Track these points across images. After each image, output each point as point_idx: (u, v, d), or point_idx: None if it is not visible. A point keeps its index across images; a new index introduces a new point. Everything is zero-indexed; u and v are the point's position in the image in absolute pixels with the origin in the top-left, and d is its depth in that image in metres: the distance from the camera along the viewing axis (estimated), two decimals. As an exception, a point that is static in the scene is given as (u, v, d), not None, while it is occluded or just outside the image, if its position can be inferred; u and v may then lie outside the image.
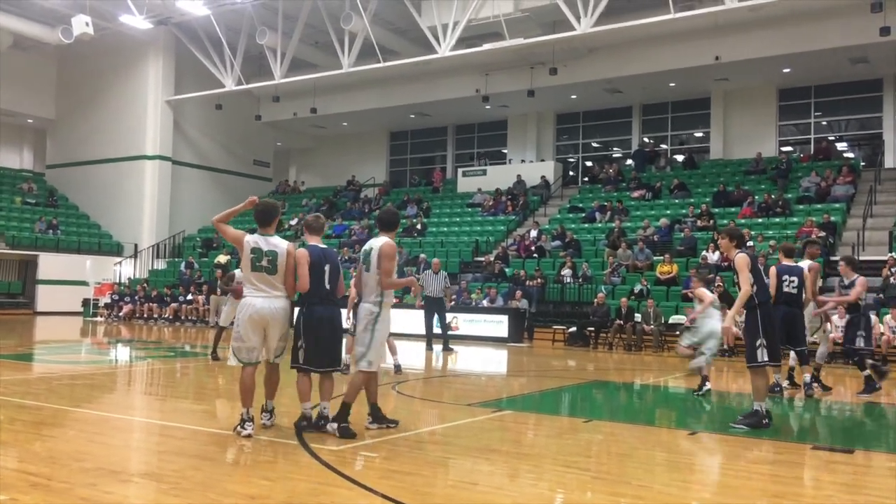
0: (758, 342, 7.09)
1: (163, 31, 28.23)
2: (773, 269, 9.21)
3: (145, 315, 24.76)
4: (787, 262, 9.51)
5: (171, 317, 24.04)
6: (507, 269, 21.70)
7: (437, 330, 15.70)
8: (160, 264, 29.59)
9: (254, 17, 25.37)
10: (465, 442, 6.72)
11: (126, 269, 29.18)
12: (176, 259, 29.05)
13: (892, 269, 16.51)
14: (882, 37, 19.00)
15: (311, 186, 34.87)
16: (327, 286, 6.35)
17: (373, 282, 6.38)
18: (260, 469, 5.39)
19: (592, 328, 18.24)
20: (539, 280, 20.39)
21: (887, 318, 14.97)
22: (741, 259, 7.10)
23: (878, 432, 8.26)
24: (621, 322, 17.70)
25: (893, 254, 17.36)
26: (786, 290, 9.16)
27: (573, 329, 18.60)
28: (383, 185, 32.38)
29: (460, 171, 30.67)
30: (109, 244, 30.06)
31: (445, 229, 26.63)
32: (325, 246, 6.56)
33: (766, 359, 7.11)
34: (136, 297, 25.47)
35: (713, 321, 9.44)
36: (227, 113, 29.88)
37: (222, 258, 26.44)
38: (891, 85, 23.60)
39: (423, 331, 15.98)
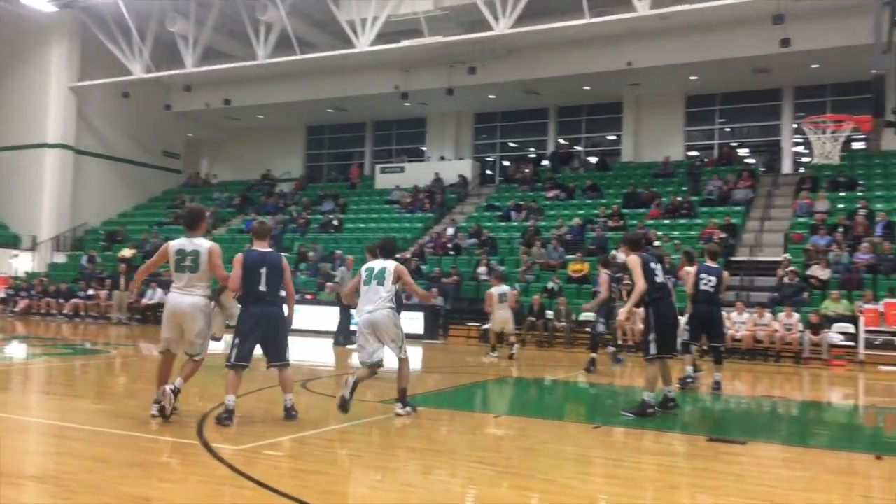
0: (650, 336, 7.71)
1: (68, 15, 26.93)
2: (693, 269, 9.83)
3: (43, 311, 23.59)
4: (709, 263, 9.99)
5: (70, 313, 23.00)
6: (423, 267, 21.73)
7: (353, 327, 15.63)
8: (60, 257, 28.26)
9: (165, 3, 24.52)
10: (375, 439, 6.69)
11: (23, 263, 27.74)
12: (77, 252, 27.79)
13: (787, 270, 17.37)
14: (783, 48, 19.98)
15: (223, 179, 33.99)
16: (263, 288, 6.82)
17: (385, 293, 7.41)
18: (158, 470, 5.22)
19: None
20: (455, 277, 20.52)
21: (781, 315, 15.75)
22: (632, 260, 7.79)
23: (770, 424, 8.68)
24: (534, 319, 17.99)
25: (788, 255, 18.27)
26: (703, 288, 9.67)
27: (487, 326, 18.76)
28: (299, 179, 31.89)
29: (378, 167, 30.51)
30: (5, 236, 28.48)
31: (363, 226, 26.45)
32: (267, 250, 7.03)
33: (655, 352, 7.65)
34: (34, 292, 24.24)
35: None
36: (135, 102, 28.77)
37: (127, 252, 25.55)
38: (790, 94, 24.83)
39: (333, 327, 15.97)
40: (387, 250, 7.87)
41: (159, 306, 22.22)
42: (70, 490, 4.53)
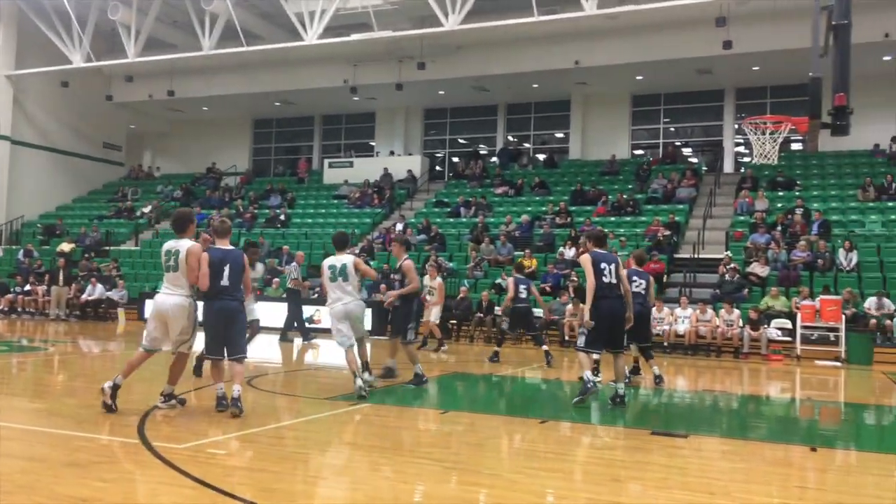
0: (581, 330, 8.23)
1: (4, 1, 25.97)
2: (623, 272, 9.98)
3: (-24, 307, 22.74)
4: (635, 266, 10.23)
5: (6, 308, 22.22)
6: (372, 262, 21.61)
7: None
8: (-5, 252, 27.29)
9: (106, -9, 23.83)
10: (321, 436, 6.63)
11: (-45, 257, 26.71)
12: (13, 247, 26.85)
13: (728, 267, 17.81)
14: (725, 50, 20.46)
15: (167, 172, 33.25)
16: (225, 283, 7.05)
17: (351, 287, 8.49)
18: (96, 470, 5.06)
19: (454, 321, 18.51)
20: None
21: (722, 311, 16.14)
22: (584, 258, 8.14)
23: (711, 418, 8.88)
24: (482, 315, 18.07)
25: (729, 252, 18.74)
26: (634, 290, 9.84)
27: (437, 321, 18.76)
28: (246, 173, 31.40)
29: (327, 162, 30.23)
30: (-64, 229, 27.40)
31: (310, 221, 26.19)
32: (229, 247, 7.30)
33: (583, 345, 8.16)
34: (-34, 288, 23.35)
35: None
36: (75, 92, 27.92)
37: (66, 246, 24.85)
38: (732, 96, 25.45)
39: (280, 323, 15.81)
40: (339, 244, 8.78)
41: (99, 302, 21.68)
42: (3, 491, 4.37)
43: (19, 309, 22.22)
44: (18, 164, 27.90)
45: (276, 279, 20.81)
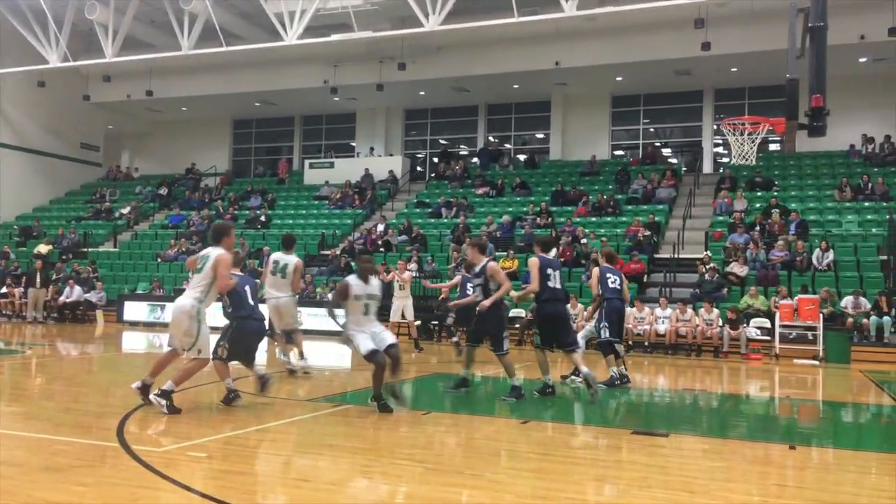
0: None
1: (-23, -1, 25.63)
2: (596, 270, 10.12)
3: (-49, 310, 22.41)
4: (606, 264, 10.29)
5: (-19, 311, 21.94)
6: (353, 263, 21.54)
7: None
8: (-30, 254, 26.90)
9: (83, -10, 23.55)
10: (303, 438, 6.60)
11: (-71, 259, 26.28)
12: (-11, 248, 26.51)
13: (707, 267, 17.95)
14: (703, 51, 20.60)
15: (145, 173, 32.97)
16: (252, 303, 7.96)
17: (285, 284, 10.12)
18: (74, 474, 5.01)
19: (436, 322, 18.50)
20: (385, 274, 20.39)
21: (702, 311, 16.26)
22: (532, 262, 8.68)
23: (692, 417, 8.95)
24: (464, 316, 18.06)
25: (708, 252, 18.89)
26: (612, 286, 9.91)
27: (418, 322, 18.75)
28: (225, 174, 31.20)
29: (307, 162, 30.12)
30: None
31: (291, 222, 26.07)
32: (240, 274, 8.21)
33: (538, 343, 8.90)
34: (-59, 290, 23.00)
35: None
36: (52, 92, 27.58)
37: (43, 248, 24.57)
38: (710, 96, 25.67)
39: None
40: (288, 244, 10.15)
41: (77, 305, 21.44)
42: (-23, 498, 4.31)
43: (-5, 311, 21.95)
44: (-6, 165, 27.57)
45: (257, 281, 20.65)
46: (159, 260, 24.42)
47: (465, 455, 5.98)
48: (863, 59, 21.77)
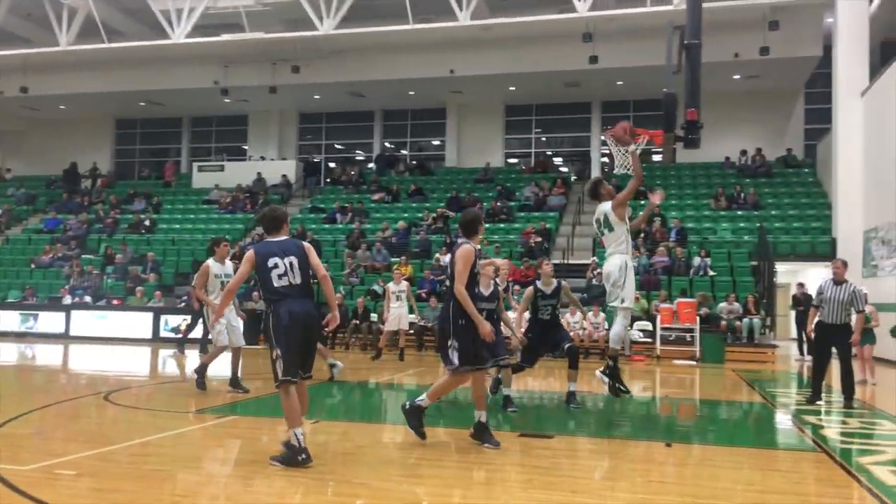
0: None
1: None
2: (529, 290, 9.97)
3: None
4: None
5: None
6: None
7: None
8: None
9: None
10: (184, 452, 6.34)
11: None
12: None
13: (595, 272, 18.54)
14: (591, 64, 21.38)
15: (20, 174, 30.99)
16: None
17: None
18: (-74, 499, 4.62)
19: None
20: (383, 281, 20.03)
21: (590, 314, 16.78)
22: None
23: (578, 418, 9.18)
24: (357, 322, 17.94)
25: (595, 258, 19.52)
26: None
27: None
28: (107, 175, 29.75)
29: (196, 165, 29.15)
30: None
31: (178, 227, 25.14)
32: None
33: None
34: None
35: None
36: (-88, 84, 25.60)
37: None
38: (598, 108, 26.61)
39: (147, 335, 15.08)
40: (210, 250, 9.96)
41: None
42: None
43: None
44: None
45: (140, 288, 19.92)
46: (33, 266, 23.02)
47: (355, 464, 5.91)
48: (736, 76, 23.12)
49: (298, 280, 5.67)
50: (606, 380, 8.41)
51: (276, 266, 5.63)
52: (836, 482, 5.70)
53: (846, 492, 5.45)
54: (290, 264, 5.65)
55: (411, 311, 15.47)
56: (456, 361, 6.33)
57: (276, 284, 5.61)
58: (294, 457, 5.42)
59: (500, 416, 8.20)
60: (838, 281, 9.58)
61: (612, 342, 8.44)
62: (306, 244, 5.91)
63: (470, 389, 6.83)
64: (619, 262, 8.13)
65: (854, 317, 9.63)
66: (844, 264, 9.87)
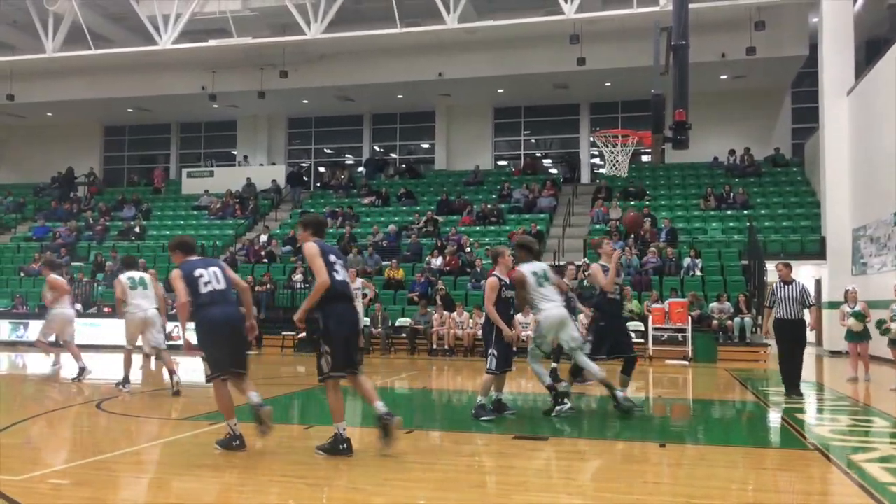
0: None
1: None
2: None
3: None
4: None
5: None
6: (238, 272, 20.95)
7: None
8: None
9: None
10: (178, 459, 6.31)
11: None
12: None
13: (586, 273, 18.57)
14: (579, 66, 21.43)
15: (6, 182, 30.78)
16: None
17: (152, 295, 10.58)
18: (-83, 512, 4.59)
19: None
20: (269, 286, 19.97)
21: (581, 315, 16.77)
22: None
23: (572, 419, 9.18)
24: (349, 326, 17.90)
25: (586, 259, 19.56)
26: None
27: (302, 335, 18.42)
28: (96, 182, 29.61)
29: (185, 171, 29.06)
30: None
31: (168, 233, 25.03)
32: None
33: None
34: None
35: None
36: None
37: None
38: (586, 109, 26.70)
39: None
40: (129, 264, 10.80)
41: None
42: None
43: None
44: None
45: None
46: (22, 275, 22.87)
47: (350, 469, 5.90)
48: (724, 77, 23.24)
49: (223, 286, 6.50)
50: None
51: (201, 276, 6.41)
52: (829, 480, 5.73)
53: (839, 489, 5.48)
54: (215, 274, 6.50)
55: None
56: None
57: (202, 291, 6.37)
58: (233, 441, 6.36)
59: (493, 419, 8.20)
60: (787, 281, 10.40)
61: (594, 378, 8.54)
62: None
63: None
64: (557, 317, 8.14)
65: (807, 311, 10.42)
66: (787, 266, 10.62)
